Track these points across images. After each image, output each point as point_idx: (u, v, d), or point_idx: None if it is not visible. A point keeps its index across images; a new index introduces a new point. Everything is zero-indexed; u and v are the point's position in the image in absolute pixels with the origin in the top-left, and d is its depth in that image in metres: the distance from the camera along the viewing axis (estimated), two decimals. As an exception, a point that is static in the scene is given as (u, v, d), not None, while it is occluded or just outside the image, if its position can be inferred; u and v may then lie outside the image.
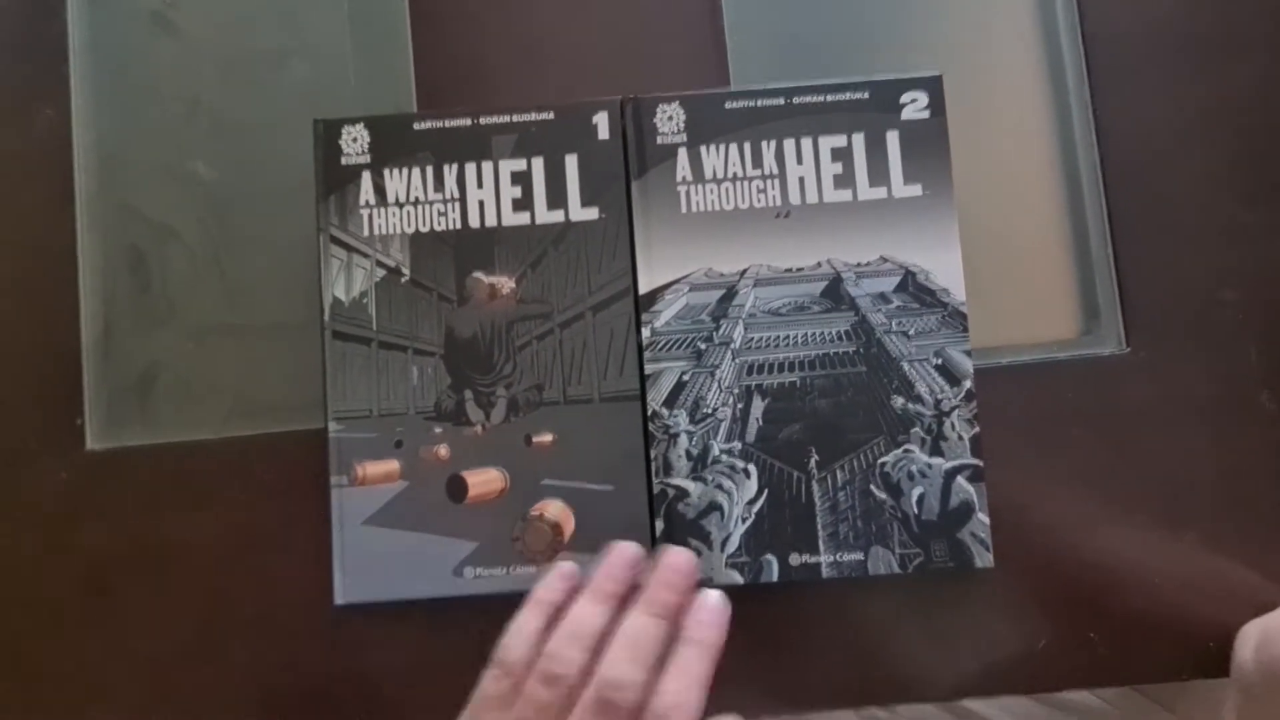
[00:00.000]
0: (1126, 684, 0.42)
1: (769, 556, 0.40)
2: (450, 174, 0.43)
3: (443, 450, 0.41)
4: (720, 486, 0.41)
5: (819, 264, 0.42)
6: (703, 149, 0.42)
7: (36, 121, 0.46)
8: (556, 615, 0.35)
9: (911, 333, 0.41)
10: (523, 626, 0.35)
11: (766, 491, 0.40)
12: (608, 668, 0.33)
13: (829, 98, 0.42)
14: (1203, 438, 0.43)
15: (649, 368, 0.41)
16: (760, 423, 0.41)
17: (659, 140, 0.42)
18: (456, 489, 0.41)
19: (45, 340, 0.45)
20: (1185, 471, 0.42)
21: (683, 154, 0.42)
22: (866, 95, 0.42)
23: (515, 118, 0.43)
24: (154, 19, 0.47)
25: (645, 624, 0.34)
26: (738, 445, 0.41)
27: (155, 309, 0.45)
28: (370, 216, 0.43)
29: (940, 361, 0.41)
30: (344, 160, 0.43)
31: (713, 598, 0.35)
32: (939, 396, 0.41)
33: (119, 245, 0.46)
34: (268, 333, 0.45)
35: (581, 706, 0.32)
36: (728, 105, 0.42)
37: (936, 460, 0.40)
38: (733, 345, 0.41)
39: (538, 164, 0.42)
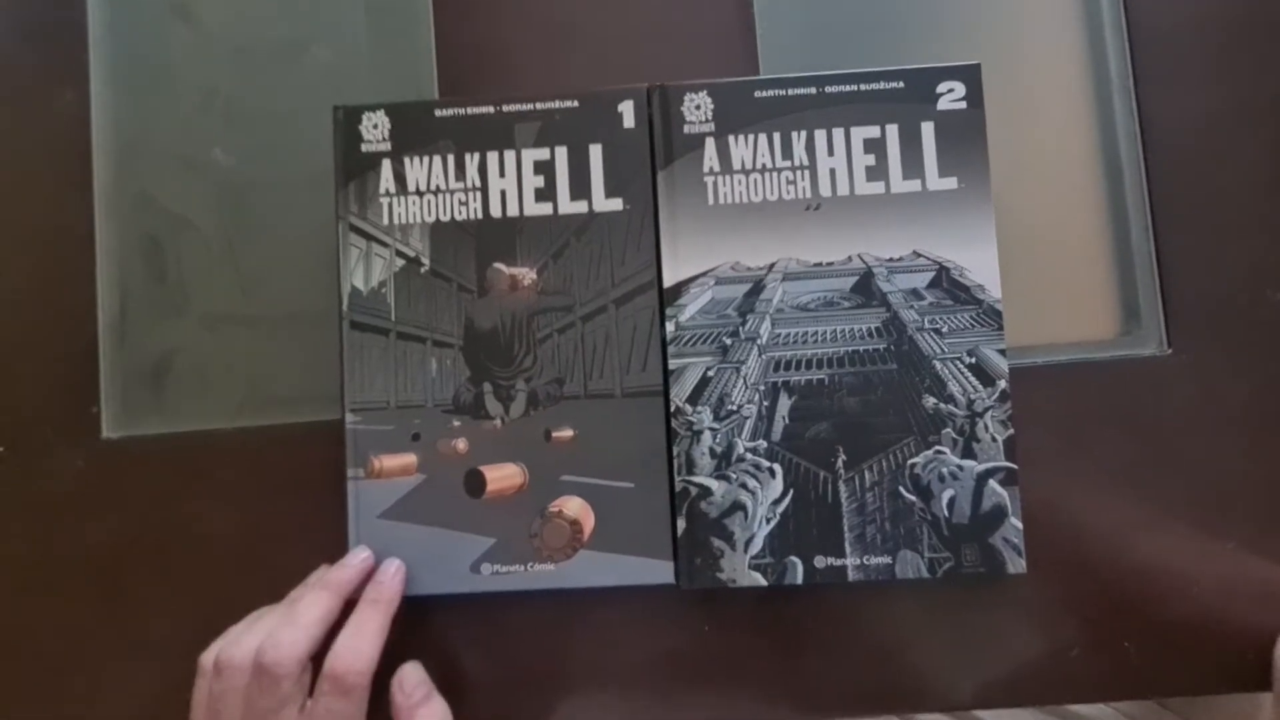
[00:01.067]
0: (1161, 696, 0.41)
1: (793, 558, 0.39)
2: (472, 163, 0.42)
3: (461, 444, 0.41)
4: (744, 485, 0.40)
5: (850, 258, 0.40)
6: (731, 139, 0.41)
7: (55, 107, 0.46)
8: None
9: (944, 330, 0.40)
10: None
11: (792, 491, 0.39)
12: (265, 637, 0.36)
13: (862, 87, 0.41)
14: (1245, 442, 0.41)
15: (673, 363, 0.40)
16: (786, 421, 0.40)
17: (686, 130, 0.41)
18: (474, 484, 0.40)
19: (62, 328, 0.45)
20: (1226, 477, 0.41)
21: (710, 144, 0.41)
22: (901, 85, 0.40)
23: (539, 105, 0.42)
24: (173, 6, 0.47)
25: (309, 598, 0.38)
26: (763, 443, 0.40)
27: (172, 297, 0.45)
28: (390, 205, 0.42)
29: (974, 360, 0.40)
30: (364, 148, 0.42)
31: (388, 565, 0.40)
32: (972, 396, 0.39)
33: (136, 233, 0.45)
34: (284, 322, 0.45)
35: (247, 675, 0.36)
36: (757, 94, 0.41)
37: (968, 462, 0.39)
38: (759, 341, 0.40)
39: (561, 153, 0.41)
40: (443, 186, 0.42)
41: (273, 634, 0.36)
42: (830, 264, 0.40)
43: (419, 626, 0.41)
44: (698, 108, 0.41)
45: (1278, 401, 0.41)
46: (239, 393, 0.44)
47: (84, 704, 0.43)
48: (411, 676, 0.39)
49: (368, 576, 0.39)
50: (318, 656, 0.37)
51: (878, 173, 0.40)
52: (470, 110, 0.42)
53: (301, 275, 0.44)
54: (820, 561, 0.39)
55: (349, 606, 0.39)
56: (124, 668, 0.43)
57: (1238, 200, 0.42)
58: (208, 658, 0.38)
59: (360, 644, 0.37)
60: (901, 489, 0.39)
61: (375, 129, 0.42)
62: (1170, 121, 0.43)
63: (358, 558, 0.40)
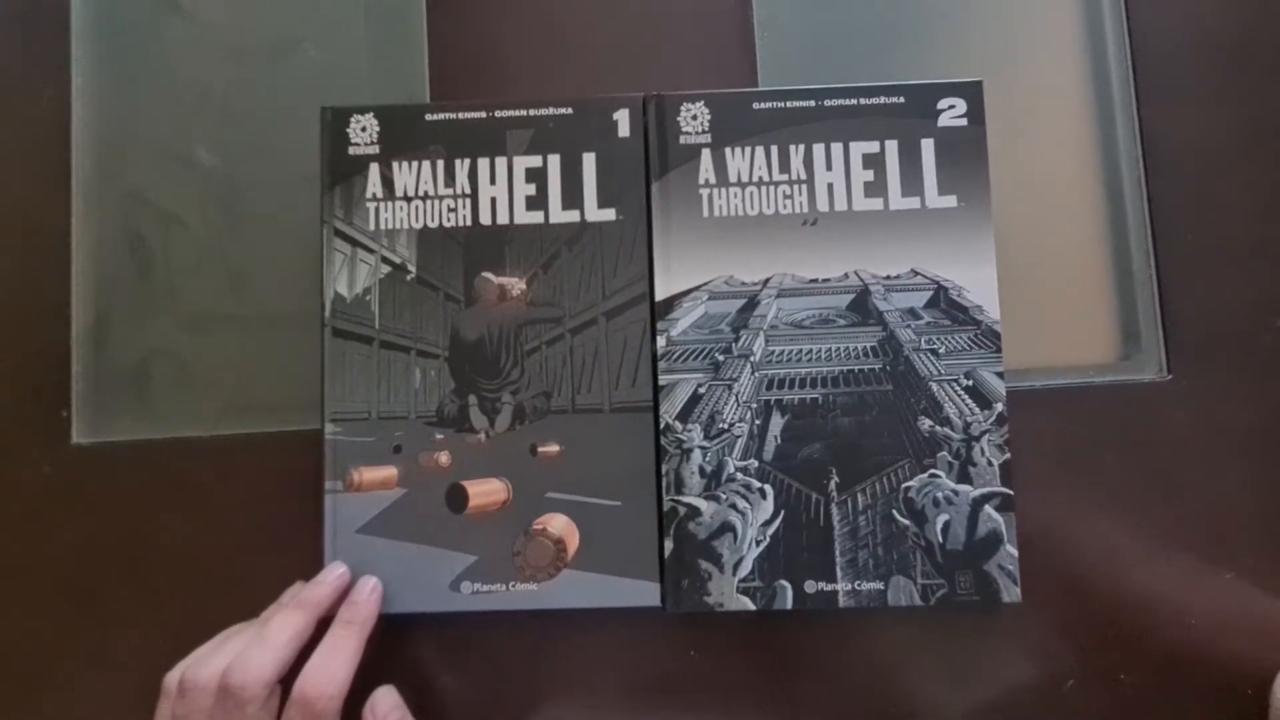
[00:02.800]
0: (1157, 730, 0.40)
1: (783, 582, 0.38)
2: (462, 168, 0.41)
3: (443, 458, 0.40)
4: (734, 506, 0.39)
5: (846, 275, 0.40)
6: (727, 151, 0.40)
7: (36, 101, 0.45)
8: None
9: (941, 351, 0.39)
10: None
11: (783, 513, 0.38)
12: (234, 658, 0.35)
13: (862, 101, 0.40)
14: (1246, 470, 0.41)
15: (663, 378, 0.39)
16: (779, 440, 0.39)
17: (682, 140, 0.40)
18: (456, 499, 0.39)
19: (34, 328, 0.44)
20: (1226, 506, 0.40)
21: (706, 155, 0.40)
22: (902, 100, 0.40)
23: (532, 112, 0.41)
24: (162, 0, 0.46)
25: (280, 617, 0.37)
26: (754, 463, 0.39)
27: (155, 296, 0.44)
28: (377, 210, 0.41)
29: (971, 382, 0.39)
30: (351, 150, 0.41)
31: (364, 583, 0.38)
32: (968, 419, 0.39)
33: (116, 230, 0.44)
34: (267, 326, 0.43)
35: (212, 697, 0.35)
36: (755, 106, 0.40)
37: (964, 487, 0.38)
38: (752, 358, 0.39)
39: (554, 161, 0.41)
40: (431, 192, 0.41)
41: (242, 654, 0.35)
42: (826, 281, 0.40)
43: (395, 647, 0.40)
44: (694, 118, 0.40)
45: (1278, 428, 0.41)
46: (217, 399, 0.43)
47: (52, 715, 0.41)
48: (385, 701, 0.38)
49: (344, 593, 0.38)
50: (288, 678, 0.36)
51: (876, 189, 0.40)
52: (462, 115, 0.41)
53: (287, 278, 0.43)
54: (811, 586, 0.38)
55: (323, 624, 0.37)
56: (88, 682, 0.42)
57: (1240, 225, 0.42)
58: (172, 678, 0.36)
59: (332, 666, 0.36)
60: (895, 513, 0.38)
61: (364, 131, 0.41)
62: (1173, 144, 0.42)
63: (333, 574, 0.38)
